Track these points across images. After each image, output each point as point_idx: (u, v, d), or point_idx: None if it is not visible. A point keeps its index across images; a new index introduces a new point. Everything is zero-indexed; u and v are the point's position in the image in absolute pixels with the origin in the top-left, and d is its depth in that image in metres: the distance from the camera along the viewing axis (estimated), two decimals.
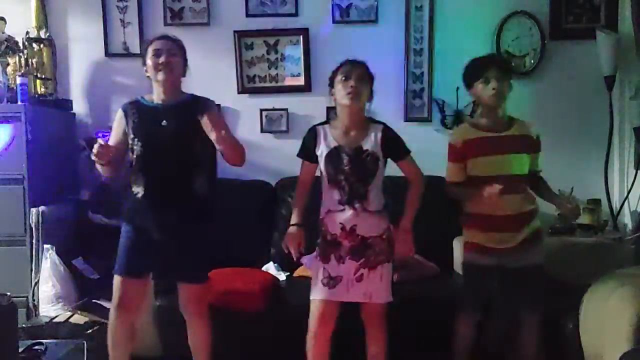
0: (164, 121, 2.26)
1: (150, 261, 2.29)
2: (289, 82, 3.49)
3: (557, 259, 2.61)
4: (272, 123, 3.50)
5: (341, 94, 2.22)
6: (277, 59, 3.48)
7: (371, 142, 2.24)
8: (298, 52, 3.45)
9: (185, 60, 2.38)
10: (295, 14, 3.46)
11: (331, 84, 2.29)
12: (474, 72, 2.36)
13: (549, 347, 2.49)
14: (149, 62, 2.29)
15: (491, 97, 2.30)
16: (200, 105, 2.31)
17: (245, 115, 3.52)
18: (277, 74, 3.49)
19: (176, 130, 2.26)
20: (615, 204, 3.33)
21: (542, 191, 2.40)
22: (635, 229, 3.12)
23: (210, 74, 3.48)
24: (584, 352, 2.24)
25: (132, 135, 2.29)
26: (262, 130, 3.49)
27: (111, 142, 2.31)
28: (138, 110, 2.32)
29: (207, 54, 3.47)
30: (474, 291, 2.39)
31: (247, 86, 3.50)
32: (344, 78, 2.22)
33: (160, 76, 2.27)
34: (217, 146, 2.19)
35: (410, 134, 3.37)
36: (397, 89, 3.46)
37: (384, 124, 2.32)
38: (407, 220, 2.27)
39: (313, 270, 2.33)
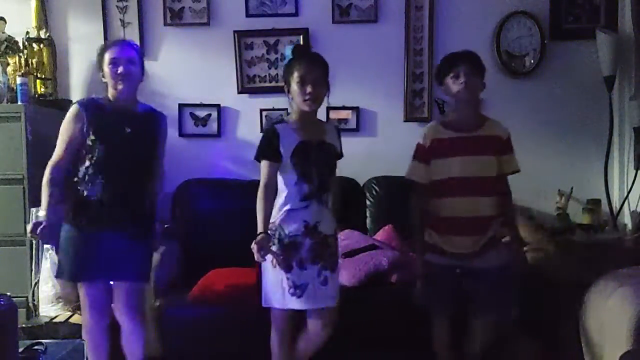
0: (128, 128, 2.29)
1: (97, 263, 2.26)
2: None
3: (557, 259, 2.62)
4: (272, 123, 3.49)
5: (299, 98, 2.19)
6: (277, 59, 3.48)
7: (331, 135, 2.28)
8: None
9: (143, 65, 2.39)
10: (295, 14, 3.46)
11: (286, 81, 2.23)
12: (444, 67, 2.34)
13: (549, 347, 2.50)
14: (107, 70, 2.28)
15: (461, 91, 2.25)
16: (156, 118, 2.43)
17: (245, 115, 3.52)
18: (277, 74, 3.49)
19: (138, 140, 2.31)
20: (615, 204, 3.33)
21: (504, 215, 2.32)
22: (635, 229, 3.12)
23: (210, 74, 3.49)
24: (583, 352, 2.24)
25: (92, 137, 2.27)
26: (262, 130, 3.49)
27: (64, 141, 2.31)
28: (100, 111, 2.31)
29: (207, 54, 3.47)
30: (435, 292, 2.32)
31: (247, 86, 3.50)
32: (299, 82, 2.16)
33: (120, 86, 2.28)
34: None
35: (410, 133, 3.39)
36: (397, 89, 3.46)
37: (334, 121, 2.36)
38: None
39: (268, 281, 2.22)
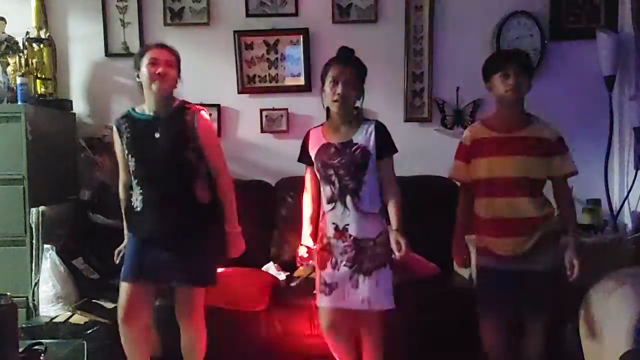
0: (157, 134, 2.27)
1: (150, 267, 2.27)
2: (289, 82, 3.49)
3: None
4: (272, 123, 3.50)
5: (329, 99, 2.22)
6: (277, 59, 3.48)
7: (362, 135, 2.23)
8: (298, 52, 3.45)
9: (179, 71, 2.37)
10: (295, 14, 3.46)
11: (322, 82, 2.27)
12: (494, 64, 2.30)
13: (548, 347, 2.49)
14: (145, 70, 2.27)
15: (509, 92, 2.22)
16: (188, 114, 2.33)
17: (245, 115, 3.52)
18: (277, 74, 3.49)
19: (169, 143, 2.26)
20: (615, 204, 3.32)
21: (558, 203, 2.31)
22: (635, 229, 3.12)
23: (210, 74, 3.48)
24: (584, 352, 2.24)
25: (126, 151, 2.30)
26: (262, 130, 3.50)
27: (120, 163, 2.39)
28: (130, 125, 2.32)
29: (207, 54, 3.47)
30: (489, 297, 2.30)
31: (247, 86, 3.50)
32: (332, 82, 2.19)
33: (155, 87, 2.26)
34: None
35: (410, 134, 3.41)
36: (397, 89, 3.46)
37: (377, 120, 2.31)
38: (398, 223, 2.21)
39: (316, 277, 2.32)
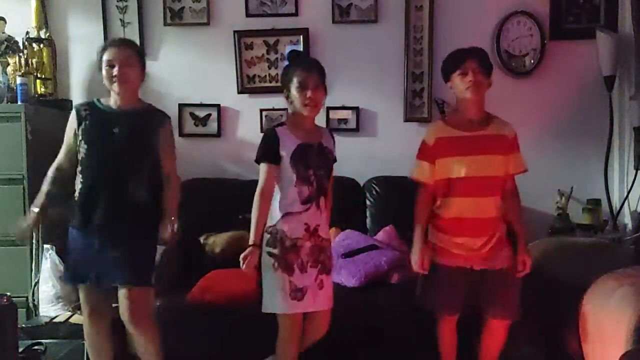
0: (116, 128, 2.25)
1: (93, 266, 2.23)
2: None
3: (557, 259, 2.61)
4: (272, 123, 3.48)
5: (299, 103, 2.19)
6: (277, 59, 3.48)
7: (327, 139, 2.29)
8: None
9: (144, 65, 2.34)
10: (295, 14, 3.46)
11: (285, 87, 2.23)
12: (451, 62, 2.31)
13: (548, 347, 2.49)
14: (103, 71, 2.26)
15: (468, 90, 2.23)
16: (155, 120, 2.33)
17: (245, 115, 3.52)
18: (277, 74, 3.48)
19: (126, 139, 2.25)
20: (615, 204, 3.32)
21: (508, 211, 2.31)
22: (635, 229, 3.12)
23: (210, 74, 3.49)
24: (583, 352, 2.24)
25: (79, 137, 2.27)
26: (262, 130, 3.49)
27: (64, 146, 2.34)
28: (91, 113, 2.30)
29: (207, 54, 3.47)
30: (442, 294, 2.30)
31: (247, 86, 3.50)
32: (299, 87, 2.17)
33: (115, 88, 2.25)
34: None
35: (410, 133, 3.41)
36: (397, 89, 3.46)
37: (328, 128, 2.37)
38: None
39: (272, 284, 2.19)
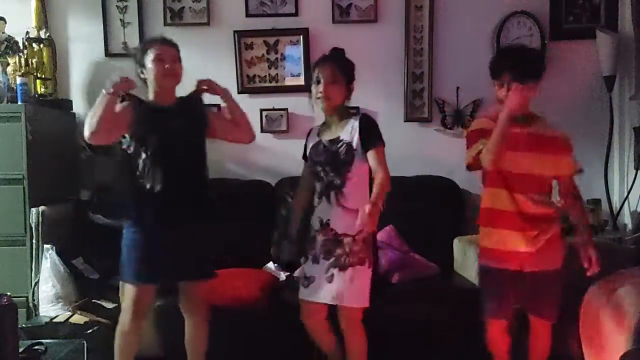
0: (174, 123, 2.27)
1: (162, 265, 2.25)
2: (289, 82, 3.49)
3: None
4: (272, 123, 3.50)
5: (314, 97, 2.27)
6: (277, 59, 3.48)
7: (347, 132, 2.25)
8: (298, 52, 3.45)
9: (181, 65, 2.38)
10: (295, 14, 3.46)
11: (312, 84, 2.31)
12: (501, 62, 2.26)
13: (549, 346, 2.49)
14: (152, 66, 2.26)
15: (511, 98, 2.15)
16: (195, 100, 2.38)
17: None
18: (277, 74, 3.49)
19: (186, 130, 2.29)
20: (615, 204, 3.33)
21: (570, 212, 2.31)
22: (635, 229, 3.12)
23: (210, 74, 3.43)
24: (584, 352, 2.24)
25: (142, 133, 2.24)
26: (262, 130, 3.49)
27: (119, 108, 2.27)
28: (146, 109, 2.29)
29: (207, 54, 3.47)
30: (493, 296, 2.28)
31: (247, 86, 3.50)
32: (315, 81, 2.25)
33: (168, 83, 2.27)
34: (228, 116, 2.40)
35: (410, 134, 3.41)
36: (397, 89, 3.46)
37: (364, 113, 2.33)
38: (375, 196, 2.09)
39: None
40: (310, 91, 2.31)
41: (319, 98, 2.23)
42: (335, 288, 2.19)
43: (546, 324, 2.30)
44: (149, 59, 2.27)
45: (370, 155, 2.20)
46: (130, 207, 2.28)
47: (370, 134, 2.23)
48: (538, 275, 2.22)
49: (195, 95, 2.39)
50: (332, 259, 2.21)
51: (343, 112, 2.30)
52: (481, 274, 2.36)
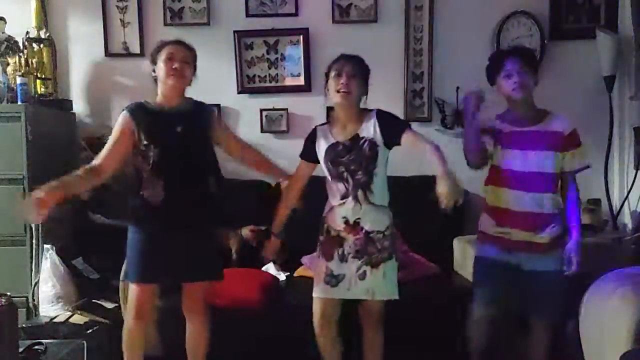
0: (179, 127, 2.26)
1: (165, 265, 2.26)
2: (289, 82, 3.49)
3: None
4: (272, 123, 3.50)
5: (333, 91, 2.24)
6: (277, 59, 3.49)
7: (367, 129, 2.25)
8: (298, 52, 3.45)
9: (195, 69, 2.39)
10: (295, 14, 3.46)
11: (326, 79, 2.30)
12: (495, 65, 2.28)
13: (548, 347, 2.49)
14: (162, 64, 2.27)
15: (515, 91, 2.21)
16: (206, 113, 2.39)
17: (245, 115, 3.52)
18: (277, 74, 3.49)
19: (190, 136, 2.28)
20: (615, 204, 3.33)
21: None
22: (635, 229, 3.12)
23: (210, 74, 3.47)
24: (584, 352, 2.24)
25: (145, 142, 2.24)
26: (262, 130, 3.50)
27: (111, 144, 2.29)
28: (148, 114, 2.29)
29: (207, 54, 3.44)
30: (484, 286, 2.29)
31: (247, 86, 3.50)
32: (336, 74, 2.23)
33: (171, 81, 2.27)
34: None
35: None
36: (397, 89, 3.46)
37: (378, 109, 2.32)
38: (442, 166, 2.02)
39: (314, 269, 2.35)
40: (325, 89, 2.30)
41: (338, 92, 2.21)
42: (368, 284, 2.22)
43: (547, 327, 2.29)
44: (161, 57, 2.28)
45: (406, 138, 2.20)
46: (132, 213, 2.29)
47: (394, 122, 2.29)
48: (540, 275, 2.22)
49: (204, 108, 2.40)
50: (364, 257, 2.23)
51: (359, 111, 2.30)
52: (476, 263, 2.36)
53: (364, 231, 2.22)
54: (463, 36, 3.40)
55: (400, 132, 2.22)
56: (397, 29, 3.44)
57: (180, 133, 2.26)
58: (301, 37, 3.43)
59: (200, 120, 2.34)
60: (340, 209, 2.25)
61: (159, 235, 2.25)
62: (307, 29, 3.44)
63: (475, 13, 3.42)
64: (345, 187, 2.23)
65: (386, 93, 3.45)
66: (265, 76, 3.50)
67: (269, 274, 2.96)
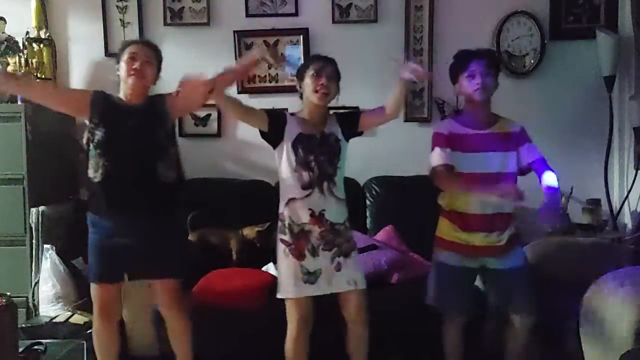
0: (131, 121, 2.26)
1: (124, 263, 2.24)
2: (289, 82, 3.49)
3: (557, 259, 2.61)
4: None
5: (310, 90, 2.26)
6: None
7: (330, 125, 2.31)
8: (298, 52, 3.45)
9: (159, 69, 2.38)
10: (295, 14, 3.46)
11: (300, 77, 2.31)
12: (459, 64, 2.33)
13: (548, 347, 2.49)
14: (123, 64, 2.28)
15: (476, 92, 2.25)
16: (158, 98, 2.35)
17: None
18: (277, 74, 3.49)
19: (142, 129, 2.26)
20: (615, 204, 3.32)
21: None
22: (635, 229, 3.12)
23: (210, 74, 3.48)
24: (584, 352, 2.24)
25: (96, 120, 2.25)
26: None
27: (65, 90, 2.38)
28: (107, 102, 2.30)
29: (207, 54, 3.47)
30: (451, 294, 2.32)
31: (247, 86, 3.50)
32: (314, 74, 2.25)
33: (131, 81, 2.27)
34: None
35: (410, 133, 3.41)
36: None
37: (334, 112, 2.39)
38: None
39: (281, 270, 2.29)
40: (299, 86, 2.32)
41: (317, 91, 2.23)
42: (347, 274, 2.23)
43: (526, 322, 2.28)
44: (123, 57, 2.29)
45: (363, 118, 2.36)
46: (88, 197, 2.32)
47: (349, 114, 2.43)
48: (507, 273, 2.26)
49: (158, 95, 2.37)
50: (335, 248, 2.24)
51: (326, 112, 2.35)
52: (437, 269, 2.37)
53: (329, 223, 2.24)
54: (463, 36, 3.39)
55: (357, 119, 2.35)
56: (397, 29, 3.44)
57: (132, 125, 2.25)
58: (301, 37, 3.43)
59: (155, 112, 2.30)
60: (305, 201, 2.24)
61: (113, 231, 2.22)
62: (307, 29, 3.44)
63: (475, 13, 3.42)
64: (310, 176, 2.24)
65: (386, 93, 3.44)
66: (265, 76, 3.50)
67: (269, 274, 2.96)
